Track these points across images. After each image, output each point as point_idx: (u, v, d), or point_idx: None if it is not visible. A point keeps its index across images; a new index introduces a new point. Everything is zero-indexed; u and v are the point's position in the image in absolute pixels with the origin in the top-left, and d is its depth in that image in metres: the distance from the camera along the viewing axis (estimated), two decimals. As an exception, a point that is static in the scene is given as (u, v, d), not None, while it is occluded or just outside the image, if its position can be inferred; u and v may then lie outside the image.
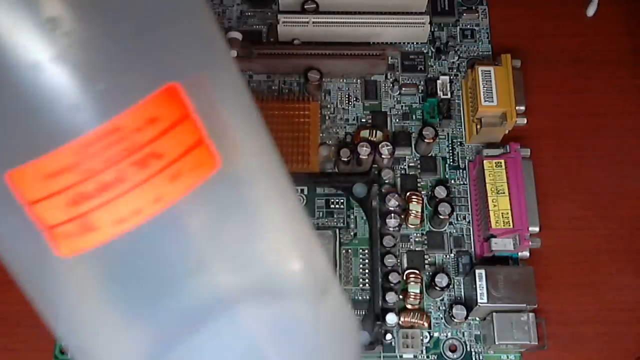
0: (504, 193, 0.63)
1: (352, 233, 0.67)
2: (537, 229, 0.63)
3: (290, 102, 0.71)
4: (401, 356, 0.63)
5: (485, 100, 0.66)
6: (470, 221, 0.67)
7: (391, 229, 0.64)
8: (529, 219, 0.62)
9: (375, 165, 0.67)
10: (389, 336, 0.62)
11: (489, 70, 0.67)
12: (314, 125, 0.70)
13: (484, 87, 0.66)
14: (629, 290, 0.66)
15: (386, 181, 0.68)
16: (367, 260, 0.66)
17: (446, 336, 0.64)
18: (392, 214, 0.65)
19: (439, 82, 0.71)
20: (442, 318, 0.64)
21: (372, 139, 0.68)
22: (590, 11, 0.76)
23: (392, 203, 0.65)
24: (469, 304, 0.62)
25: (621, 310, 0.65)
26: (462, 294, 0.65)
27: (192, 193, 0.32)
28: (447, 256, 0.66)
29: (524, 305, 0.59)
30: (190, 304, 0.35)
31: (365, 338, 0.63)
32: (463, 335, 0.64)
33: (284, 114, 0.69)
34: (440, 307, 0.65)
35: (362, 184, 0.68)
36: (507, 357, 0.63)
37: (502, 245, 0.62)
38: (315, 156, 0.69)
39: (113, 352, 0.36)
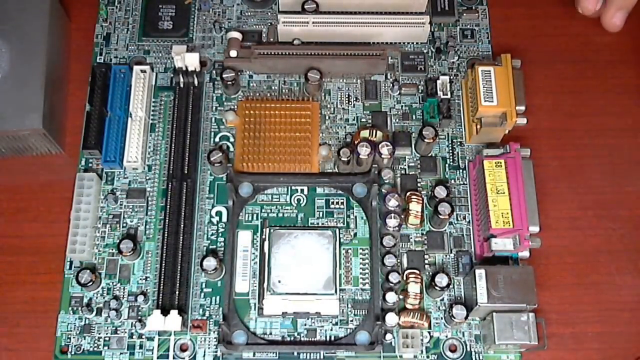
0: (504, 193, 0.63)
1: (352, 233, 0.67)
2: (537, 229, 0.63)
3: (290, 102, 0.71)
4: (401, 356, 0.63)
5: (485, 100, 0.66)
6: (470, 221, 0.67)
7: (391, 229, 0.64)
8: (529, 219, 0.62)
9: (375, 165, 0.67)
10: (389, 336, 0.62)
11: (489, 70, 0.67)
12: (314, 125, 0.70)
13: (484, 87, 0.66)
14: (629, 290, 0.66)
15: (386, 181, 0.68)
16: (367, 260, 0.66)
17: (446, 336, 0.64)
18: (392, 214, 0.65)
19: (439, 82, 0.71)
20: (442, 318, 0.64)
21: (372, 139, 0.68)
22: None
23: (392, 203, 0.65)
24: (469, 304, 0.62)
25: (621, 310, 0.66)
26: (462, 294, 0.65)
27: None
28: (447, 256, 0.66)
29: (524, 305, 0.59)
30: None
31: (365, 338, 0.63)
32: (463, 335, 0.64)
33: (284, 114, 0.69)
34: (440, 307, 0.65)
35: (362, 184, 0.68)
36: (507, 357, 0.63)
37: (502, 245, 0.62)
38: (315, 156, 0.69)
39: None
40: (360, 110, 0.72)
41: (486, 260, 0.64)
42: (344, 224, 0.67)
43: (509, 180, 0.63)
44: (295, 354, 0.63)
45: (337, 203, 0.68)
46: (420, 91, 0.72)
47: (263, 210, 0.67)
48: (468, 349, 0.63)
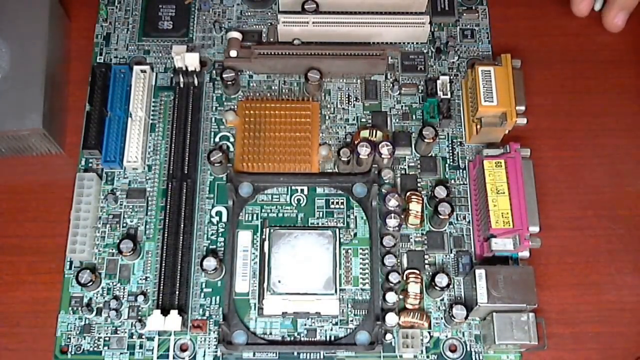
0: (504, 193, 0.63)
1: (352, 233, 0.67)
2: (537, 229, 0.63)
3: (290, 102, 0.71)
4: (401, 356, 0.63)
5: (485, 100, 0.66)
6: (470, 221, 0.67)
7: (391, 229, 0.64)
8: (529, 219, 0.62)
9: (375, 165, 0.67)
10: (389, 336, 0.62)
11: (489, 70, 0.67)
12: (314, 125, 0.70)
13: (484, 87, 0.66)
14: (629, 290, 0.66)
15: (386, 181, 0.68)
16: (367, 260, 0.66)
17: (446, 336, 0.64)
18: (392, 214, 0.65)
19: (439, 82, 0.71)
20: (442, 318, 0.64)
21: (372, 139, 0.68)
22: (597, 5, 0.76)
23: (392, 203, 0.65)
24: (469, 304, 0.62)
25: (621, 310, 0.66)
26: (462, 294, 0.65)
27: None
28: (447, 256, 0.66)
29: (524, 305, 0.59)
30: None
31: (365, 338, 0.63)
32: (463, 335, 0.64)
33: (284, 114, 0.69)
34: (440, 307, 0.65)
35: (362, 184, 0.68)
36: (507, 357, 0.63)
37: (502, 245, 0.62)
38: (315, 156, 0.69)
39: None
40: (360, 110, 0.72)
41: (486, 260, 0.64)
42: (344, 224, 0.67)
43: (509, 180, 0.63)
44: (295, 354, 0.63)
45: (337, 203, 0.68)
46: (420, 91, 0.72)
47: (263, 210, 0.67)
48: (468, 349, 0.63)
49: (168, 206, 0.66)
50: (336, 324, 0.64)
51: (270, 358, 0.63)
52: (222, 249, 0.66)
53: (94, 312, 0.64)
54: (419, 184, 0.69)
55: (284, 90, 0.73)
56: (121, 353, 0.63)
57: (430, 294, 0.65)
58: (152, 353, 0.63)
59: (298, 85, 0.73)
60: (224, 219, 0.67)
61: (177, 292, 0.63)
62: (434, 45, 0.74)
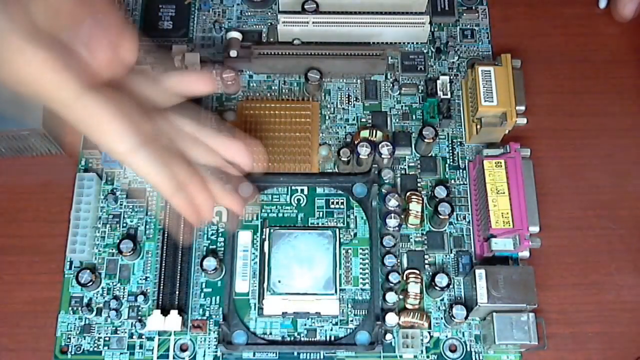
0: (504, 193, 0.63)
1: (352, 233, 0.67)
2: (537, 229, 0.63)
3: (290, 102, 0.71)
4: (401, 356, 0.63)
5: (485, 100, 0.66)
6: (470, 221, 0.67)
7: (391, 229, 0.64)
8: (529, 219, 0.62)
9: (375, 165, 0.67)
10: (389, 336, 0.62)
11: (489, 70, 0.67)
12: (314, 125, 0.70)
13: (484, 87, 0.66)
14: (629, 290, 0.66)
15: (386, 181, 0.68)
16: (367, 260, 0.66)
17: (446, 336, 0.64)
18: (392, 214, 0.65)
19: (439, 82, 0.71)
20: (442, 318, 0.64)
21: (372, 139, 0.68)
22: (602, 3, 0.76)
23: (392, 203, 0.65)
24: (469, 304, 0.62)
25: (621, 310, 0.66)
26: (462, 294, 0.65)
27: None
28: (447, 256, 0.66)
29: (524, 305, 0.59)
30: None
31: (365, 338, 0.63)
32: (463, 335, 0.64)
33: (284, 114, 0.69)
34: (440, 307, 0.65)
35: (362, 184, 0.68)
36: (507, 357, 0.63)
37: (502, 245, 0.62)
38: (315, 156, 0.69)
39: None
40: (360, 110, 0.72)
41: (486, 260, 0.64)
42: (344, 224, 0.67)
43: (509, 180, 0.63)
44: (295, 354, 0.63)
45: (337, 203, 0.68)
46: (420, 91, 0.72)
47: (263, 210, 0.67)
48: (468, 349, 0.63)
49: (168, 206, 0.66)
50: (336, 324, 0.64)
51: (270, 358, 0.63)
52: (222, 249, 0.66)
53: (94, 312, 0.64)
54: (419, 184, 0.69)
55: (284, 90, 0.73)
56: (121, 353, 0.63)
57: (430, 294, 0.65)
58: (152, 353, 0.63)
59: (298, 85, 0.73)
60: (224, 219, 0.67)
61: (177, 292, 0.63)
62: (434, 45, 0.74)
